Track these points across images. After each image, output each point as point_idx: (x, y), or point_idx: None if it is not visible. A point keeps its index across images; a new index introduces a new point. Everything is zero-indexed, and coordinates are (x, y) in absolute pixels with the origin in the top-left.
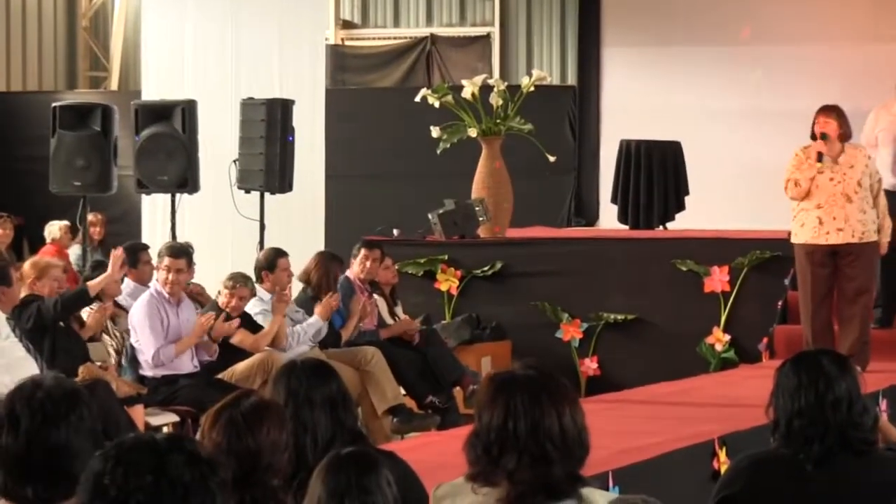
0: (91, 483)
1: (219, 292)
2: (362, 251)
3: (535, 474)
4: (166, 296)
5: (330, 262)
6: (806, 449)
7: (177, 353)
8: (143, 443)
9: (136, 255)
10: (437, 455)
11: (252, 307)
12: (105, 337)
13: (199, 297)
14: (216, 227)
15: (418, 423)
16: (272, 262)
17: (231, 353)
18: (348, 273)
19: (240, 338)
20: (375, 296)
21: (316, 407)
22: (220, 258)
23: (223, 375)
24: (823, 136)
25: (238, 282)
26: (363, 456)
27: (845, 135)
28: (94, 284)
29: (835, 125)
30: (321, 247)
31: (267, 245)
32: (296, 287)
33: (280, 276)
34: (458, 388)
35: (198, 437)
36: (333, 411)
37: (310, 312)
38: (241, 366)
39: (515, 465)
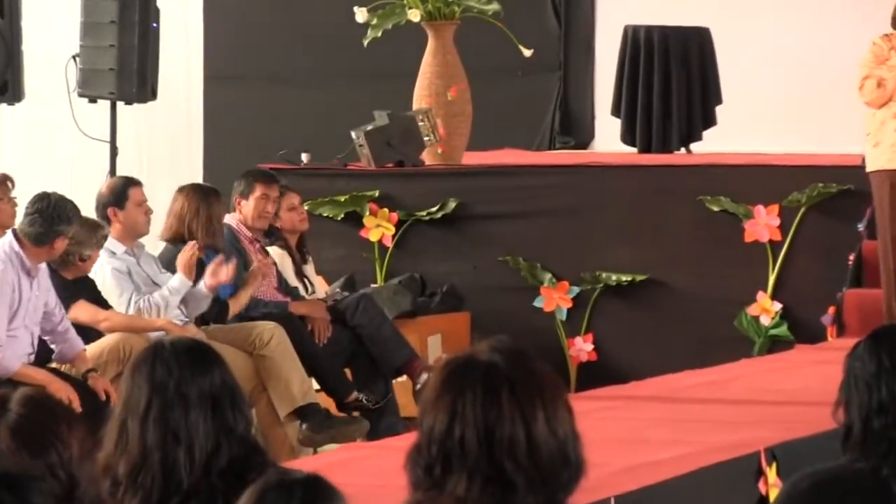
0: None
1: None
2: (257, 187)
3: None
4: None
5: (208, 200)
6: (891, 460)
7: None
8: None
9: None
10: (366, 476)
11: (100, 263)
12: None
13: None
14: (49, 150)
15: (338, 429)
16: (120, 192)
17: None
18: (229, 219)
19: (89, 314)
20: (277, 249)
21: (192, 406)
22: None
23: (61, 364)
24: None
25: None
26: (318, 488)
27: None
28: None
29: None
30: (198, 179)
31: (117, 175)
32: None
33: (133, 213)
34: (404, 376)
35: None
36: (217, 412)
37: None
38: (87, 351)
39: (465, 492)
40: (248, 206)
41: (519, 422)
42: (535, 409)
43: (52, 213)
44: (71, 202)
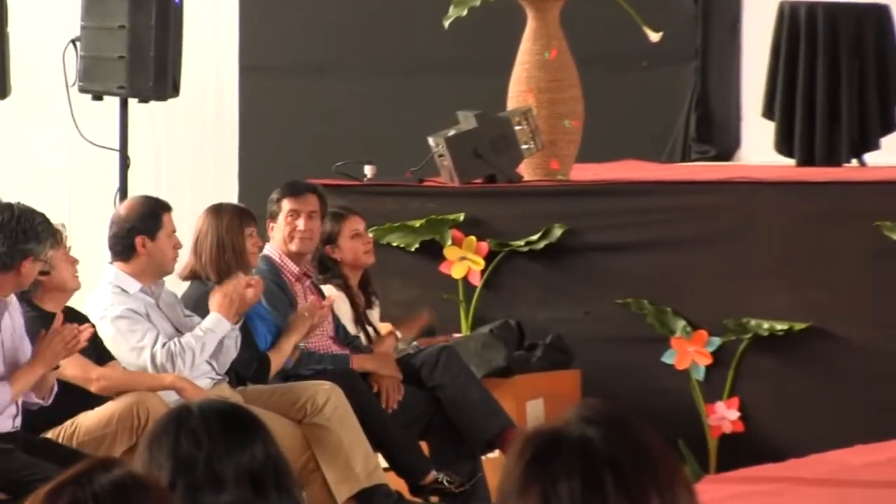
0: None
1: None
2: (284, 202)
3: None
4: None
5: (219, 219)
6: None
7: (14, 396)
8: None
9: None
10: None
11: (105, 306)
12: None
13: None
14: (42, 159)
15: None
16: (153, 218)
17: (71, 396)
18: (268, 250)
19: (78, 368)
20: (333, 288)
21: (226, 487)
22: (51, 215)
23: (58, 433)
24: None
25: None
26: None
27: None
28: None
29: None
30: (232, 197)
31: (135, 195)
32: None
33: (164, 245)
34: (496, 451)
35: None
36: (258, 495)
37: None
38: (90, 417)
39: None
40: (278, 230)
41: None
42: (649, 498)
43: (16, 227)
44: (41, 214)
